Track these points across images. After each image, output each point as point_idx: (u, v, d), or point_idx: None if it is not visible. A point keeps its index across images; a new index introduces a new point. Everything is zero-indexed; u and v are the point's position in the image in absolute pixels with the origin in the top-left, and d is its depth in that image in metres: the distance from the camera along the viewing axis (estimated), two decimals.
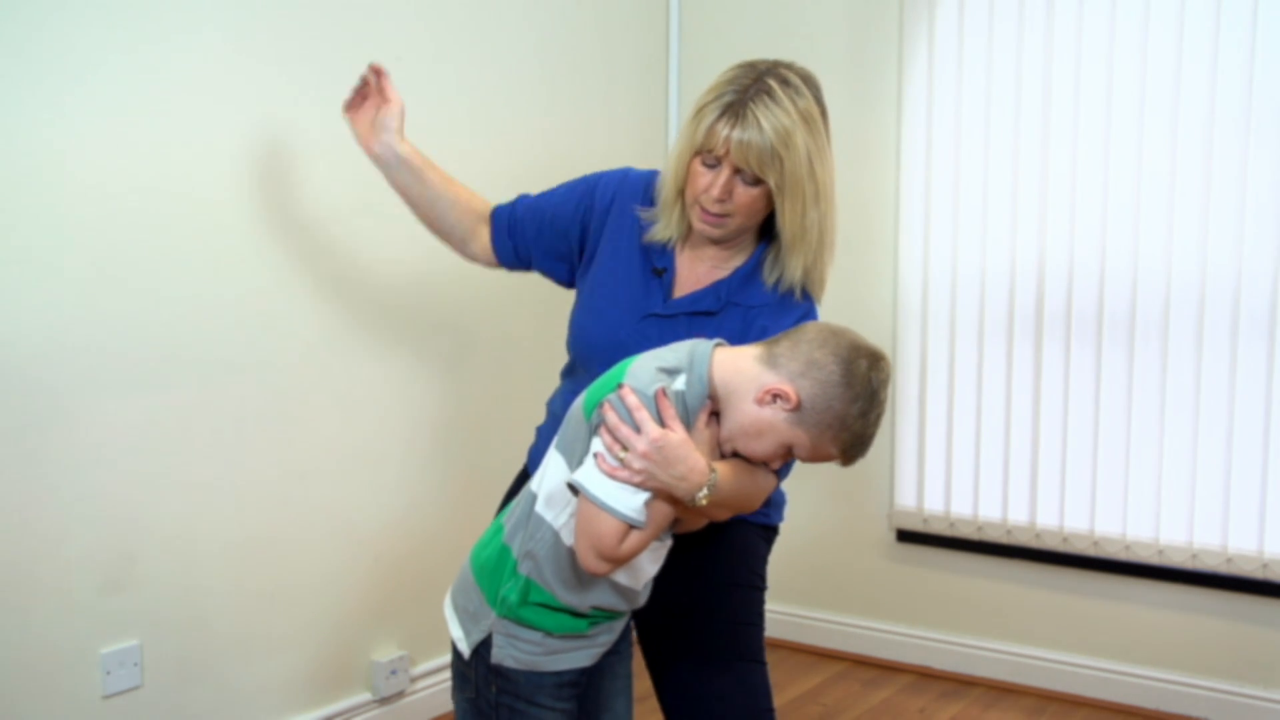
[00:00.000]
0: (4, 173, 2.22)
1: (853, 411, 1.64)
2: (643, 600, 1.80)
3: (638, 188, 2.05)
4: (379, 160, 2.21)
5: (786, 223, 1.89)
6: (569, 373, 2.10)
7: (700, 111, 1.87)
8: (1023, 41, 3.20)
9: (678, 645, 1.97)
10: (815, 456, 1.69)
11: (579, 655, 1.74)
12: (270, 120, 2.63)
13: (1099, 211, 3.13)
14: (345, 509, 2.86)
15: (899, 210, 3.41)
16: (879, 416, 1.68)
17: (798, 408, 1.64)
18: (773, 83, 1.85)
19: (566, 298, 2.17)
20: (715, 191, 1.86)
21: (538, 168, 3.27)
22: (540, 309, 3.19)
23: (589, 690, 1.84)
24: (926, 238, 3.38)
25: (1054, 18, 3.15)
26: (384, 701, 2.97)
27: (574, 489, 1.63)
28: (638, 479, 1.59)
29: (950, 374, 3.38)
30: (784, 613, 3.66)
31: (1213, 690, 3.12)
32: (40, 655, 2.34)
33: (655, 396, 1.62)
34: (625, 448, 1.60)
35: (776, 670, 3.47)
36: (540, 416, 2.13)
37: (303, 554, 2.77)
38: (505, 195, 3.15)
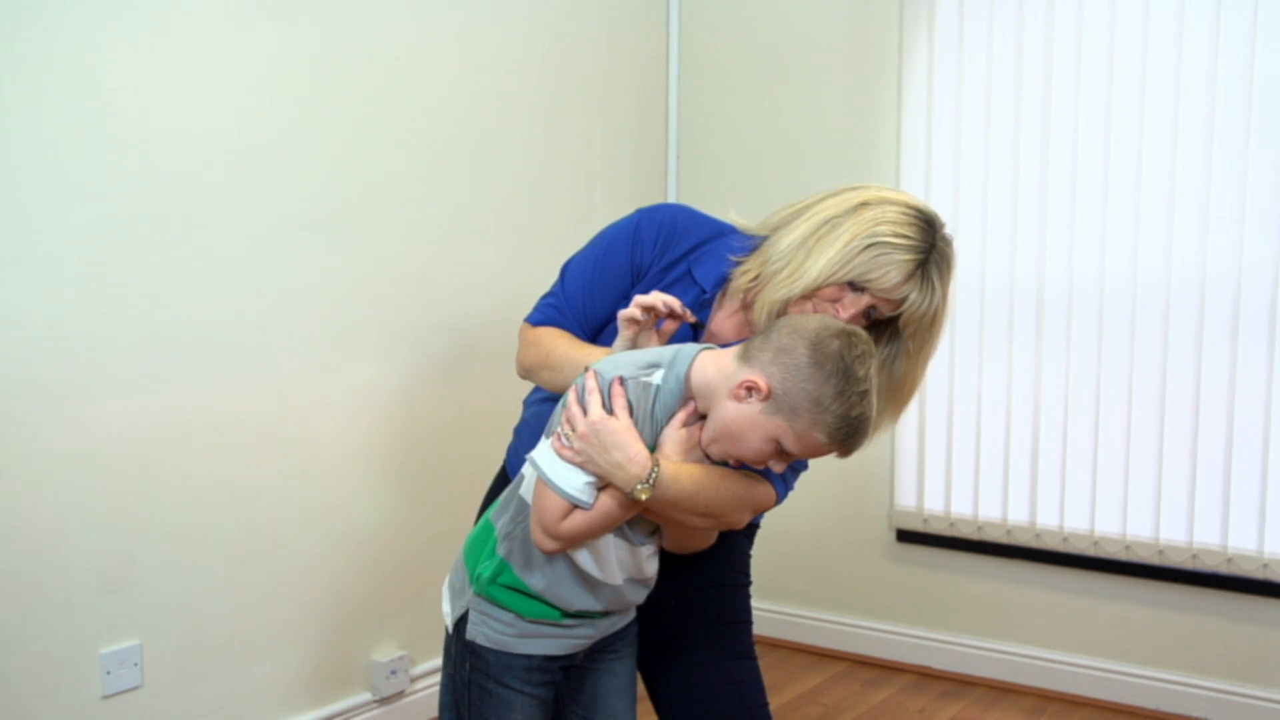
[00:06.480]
0: (4, 173, 2.23)
1: (827, 391, 1.59)
2: (631, 602, 1.81)
3: (689, 228, 1.93)
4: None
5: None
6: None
7: (873, 248, 1.75)
8: (1023, 41, 3.20)
9: (668, 646, 1.97)
10: (806, 448, 1.65)
11: (550, 643, 1.75)
12: (270, 120, 2.63)
13: (1099, 211, 3.13)
14: (345, 509, 2.86)
15: None
16: (862, 395, 1.61)
17: (769, 396, 1.61)
18: (946, 250, 1.80)
19: None
20: (844, 316, 1.78)
21: (537, 167, 3.28)
22: None
23: (585, 687, 1.85)
24: None
25: (1054, 17, 3.15)
26: (384, 701, 2.97)
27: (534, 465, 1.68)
28: (578, 459, 1.62)
29: (950, 374, 3.38)
30: (784, 613, 3.66)
31: (1213, 690, 3.12)
32: (40, 655, 2.34)
33: (611, 382, 1.64)
34: (574, 428, 1.63)
35: (776, 670, 3.47)
36: None
37: (302, 554, 2.77)
38: (503, 194, 3.19)
